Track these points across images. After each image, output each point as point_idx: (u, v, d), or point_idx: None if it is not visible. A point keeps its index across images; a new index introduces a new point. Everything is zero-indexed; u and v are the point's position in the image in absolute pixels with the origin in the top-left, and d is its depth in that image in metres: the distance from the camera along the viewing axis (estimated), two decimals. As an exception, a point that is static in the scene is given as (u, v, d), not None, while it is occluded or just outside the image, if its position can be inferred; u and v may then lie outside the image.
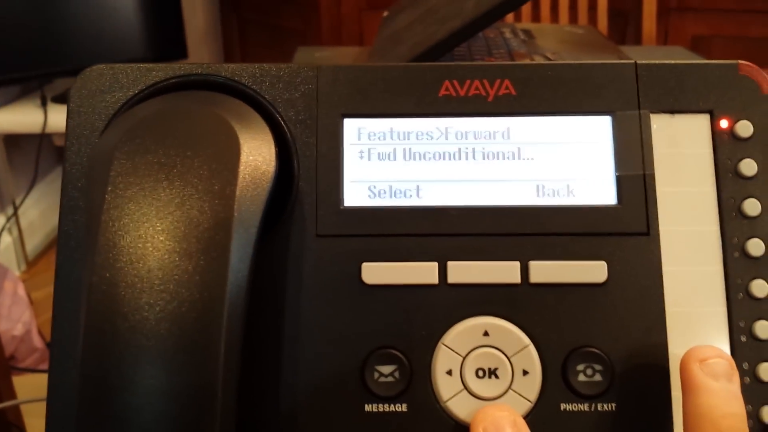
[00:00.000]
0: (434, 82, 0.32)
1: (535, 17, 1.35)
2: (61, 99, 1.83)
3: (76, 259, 0.31)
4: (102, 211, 0.26)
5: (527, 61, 0.72)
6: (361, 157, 0.32)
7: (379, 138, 0.32)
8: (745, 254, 0.31)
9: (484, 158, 0.32)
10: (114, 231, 0.26)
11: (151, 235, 0.26)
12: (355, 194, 0.31)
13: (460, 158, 0.32)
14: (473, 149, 0.32)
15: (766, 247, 0.31)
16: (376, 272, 0.31)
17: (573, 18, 1.38)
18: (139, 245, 0.26)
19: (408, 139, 0.32)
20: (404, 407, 0.30)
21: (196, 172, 0.27)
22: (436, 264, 0.31)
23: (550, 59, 0.73)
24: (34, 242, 1.92)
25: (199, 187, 0.27)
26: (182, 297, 0.25)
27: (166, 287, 0.25)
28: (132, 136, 0.28)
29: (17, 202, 1.84)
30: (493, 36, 0.84)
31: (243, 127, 0.29)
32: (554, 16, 1.38)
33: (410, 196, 0.32)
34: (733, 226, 0.31)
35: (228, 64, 0.33)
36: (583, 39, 0.94)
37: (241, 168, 0.28)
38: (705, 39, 1.83)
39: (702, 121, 0.32)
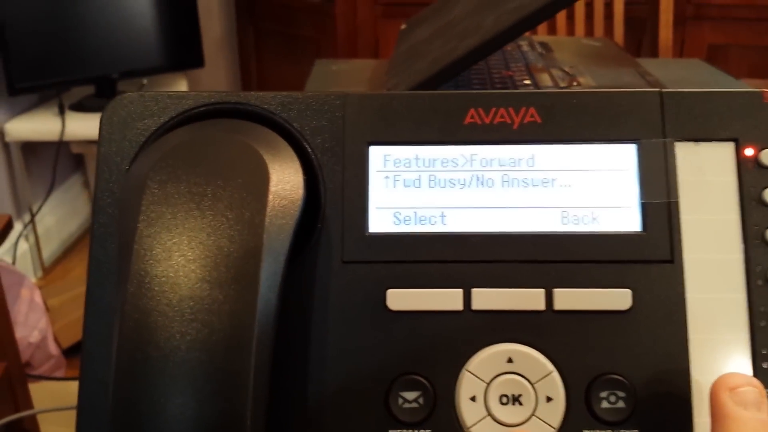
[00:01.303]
0: (459, 110, 0.32)
1: (551, 28, 1.35)
2: (78, 107, 1.84)
3: (107, 286, 0.31)
4: (134, 240, 0.27)
5: (545, 75, 0.73)
6: (387, 184, 0.32)
7: (404, 165, 0.32)
8: None
9: (509, 185, 0.32)
10: (146, 260, 0.26)
11: (183, 264, 0.26)
12: (381, 221, 0.32)
13: (485, 185, 0.32)
14: (498, 176, 0.32)
15: None
16: (401, 298, 0.31)
17: (589, 28, 1.38)
18: (171, 274, 0.26)
19: (433, 166, 0.32)
20: None
21: (226, 201, 0.27)
22: (460, 290, 0.31)
23: (568, 73, 0.73)
24: (50, 249, 1.93)
25: (229, 216, 0.27)
26: (213, 326, 0.26)
27: (197, 316, 0.26)
28: (163, 164, 0.28)
29: (34, 209, 1.85)
30: (511, 49, 0.85)
31: (271, 156, 0.29)
32: (570, 27, 1.38)
33: (435, 222, 0.32)
34: (757, 253, 0.31)
35: (256, 92, 0.33)
36: (601, 52, 0.94)
37: (270, 197, 0.28)
38: (721, 48, 1.82)
39: (727, 149, 0.32)
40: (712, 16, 1.82)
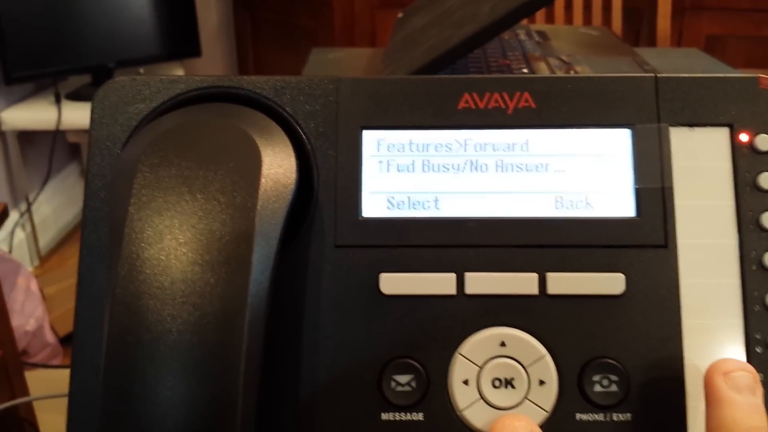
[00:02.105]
0: (453, 95, 0.32)
1: (549, 17, 1.35)
2: (74, 96, 1.84)
3: (98, 269, 0.31)
4: (125, 224, 0.27)
5: (542, 64, 0.72)
6: (380, 169, 0.32)
7: (398, 150, 0.32)
8: (763, 267, 0.31)
9: (502, 170, 0.32)
10: (137, 243, 0.26)
11: (174, 248, 0.26)
12: (374, 205, 0.32)
13: (478, 170, 0.32)
14: (492, 161, 0.32)
15: None
16: (394, 283, 0.31)
17: (587, 18, 1.38)
18: (162, 257, 0.26)
19: (427, 150, 0.32)
20: (421, 416, 0.30)
21: (218, 184, 0.27)
22: (453, 275, 0.31)
23: (565, 61, 0.73)
24: (47, 238, 1.93)
25: (221, 200, 0.27)
26: (204, 309, 0.26)
27: (189, 299, 0.26)
28: (155, 148, 0.28)
29: (30, 198, 1.85)
30: (508, 38, 0.84)
31: (264, 140, 0.29)
32: (568, 16, 1.37)
33: (429, 207, 0.32)
34: (751, 239, 0.31)
35: (249, 77, 0.33)
36: (598, 41, 0.94)
37: (262, 181, 0.28)
38: (719, 38, 1.82)
39: (722, 135, 0.32)
40: (710, 6, 1.82)
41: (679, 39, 1.79)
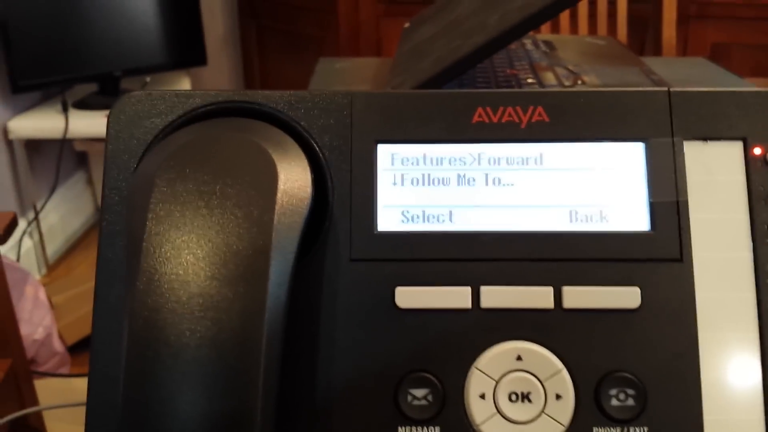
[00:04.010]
0: (467, 109, 0.32)
1: (555, 26, 1.35)
2: (81, 105, 1.84)
3: (115, 283, 0.31)
4: (143, 238, 0.27)
5: (549, 74, 0.73)
6: (395, 183, 0.32)
7: (412, 164, 0.32)
8: None
9: (516, 184, 0.32)
10: (155, 258, 0.26)
11: (192, 262, 0.26)
12: (389, 219, 0.32)
13: (492, 184, 0.32)
14: (506, 175, 0.32)
15: None
16: (409, 296, 0.31)
17: (593, 26, 1.38)
18: (180, 272, 0.26)
19: (441, 164, 0.32)
20: (438, 430, 0.30)
21: (234, 199, 0.28)
22: (469, 288, 0.31)
23: (572, 71, 0.73)
24: (54, 246, 1.94)
25: (238, 215, 0.27)
26: (222, 323, 0.26)
27: (207, 314, 0.26)
28: (171, 163, 0.28)
29: (38, 206, 1.86)
30: (515, 47, 0.85)
31: (279, 155, 0.29)
32: (573, 25, 1.38)
33: (443, 221, 0.32)
34: (766, 252, 0.31)
35: (263, 91, 0.33)
36: (605, 50, 0.94)
37: (279, 195, 0.28)
38: (725, 47, 1.82)
39: (735, 149, 0.32)
40: (716, 14, 1.82)
41: (684, 47, 1.80)
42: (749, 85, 0.79)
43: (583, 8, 1.36)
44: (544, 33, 1.29)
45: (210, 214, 0.27)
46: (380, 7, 1.93)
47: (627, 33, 1.38)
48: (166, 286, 0.26)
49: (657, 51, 1.41)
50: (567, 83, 0.68)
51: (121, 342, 0.26)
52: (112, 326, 0.31)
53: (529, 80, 0.69)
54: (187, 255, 0.27)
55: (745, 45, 1.81)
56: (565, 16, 1.36)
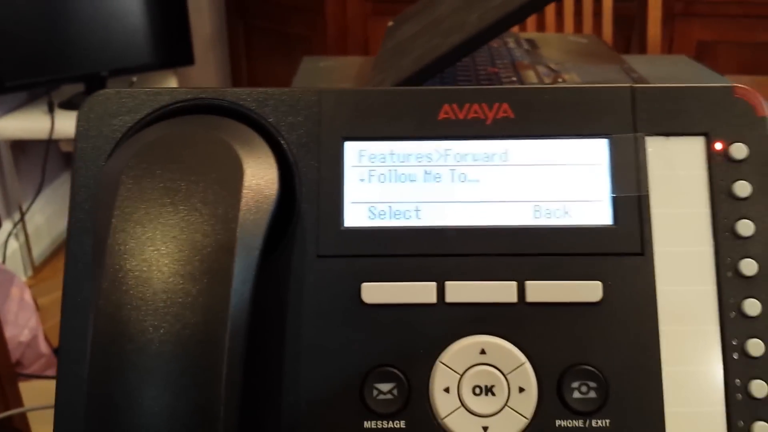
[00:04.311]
0: (434, 106, 0.33)
1: (540, 24, 1.36)
2: (68, 105, 1.84)
3: (83, 280, 0.31)
4: (109, 235, 0.27)
5: (530, 72, 0.73)
6: (362, 179, 0.33)
7: (379, 160, 0.33)
8: (738, 274, 0.31)
9: (482, 180, 0.32)
10: (120, 254, 0.27)
11: (156, 259, 0.27)
12: (356, 215, 0.32)
13: (458, 180, 0.32)
14: (471, 171, 0.33)
15: (758, 267, 0.31)
16: (375, 292, 0.31)
17: (578, 24, 1.39)
18: (145, 268, 0.26)
19: (408, 161, 0.33)
20: (402, 424, 0.30)
21: (200, 196, 0.28)
22: (434, 284, 0.31)
23: (553, 69, 0.74)
24: (40, 248, 1.93)
25: (203, 211, 0.27)
26: (186, 319, 0.26)
27: (170, 310, 0.26)
28: (138, 160, 0.29)
29: (24, 207, 1.85)
30: (497, 46, 0.85)
31: (246, 152, 0.30)
32: (559, 23, 1.38)
33: (410, 217, 0.32)
34: (726, 246, 0.31)
35: (232, 89, 0.33)
36: (587, 49, 0.94)
37: (244, 192, 0.28)
38: (710, 45, 1.83)
39: (697, 144, 0.32)
40: (701, 12, 1.83)
41: (670, 45, 1.80)
42: (725, 82, 0.79)
43: (568, 6, 1.37)
44: (530, 31, 1.30)
45: (175, 211, 0.27)
46: (368, 6, 1.93)
47: (612, 31, 1.39)
48: (130, 283, 0.26)
49: (642, 49, 1.42)
50: (547, 81, 0.68)
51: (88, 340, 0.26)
52: (81, 324, 0.31)
53: (511, 78, 0.69)
54: (152, 251, 0.27)
55: (731, 43, 1.82)
56: (550, 15, 1.36)
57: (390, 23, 0.87)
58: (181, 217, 0.27)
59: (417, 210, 0.32)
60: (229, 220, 0.27)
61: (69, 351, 0.31)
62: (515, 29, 1.21)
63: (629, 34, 1.59)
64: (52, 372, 1.42)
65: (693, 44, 1.83)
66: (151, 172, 0.28)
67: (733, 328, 0.31)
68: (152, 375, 0.25)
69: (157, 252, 0.27)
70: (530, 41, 0.88)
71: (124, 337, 0.26)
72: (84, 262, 0.32)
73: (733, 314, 0.31)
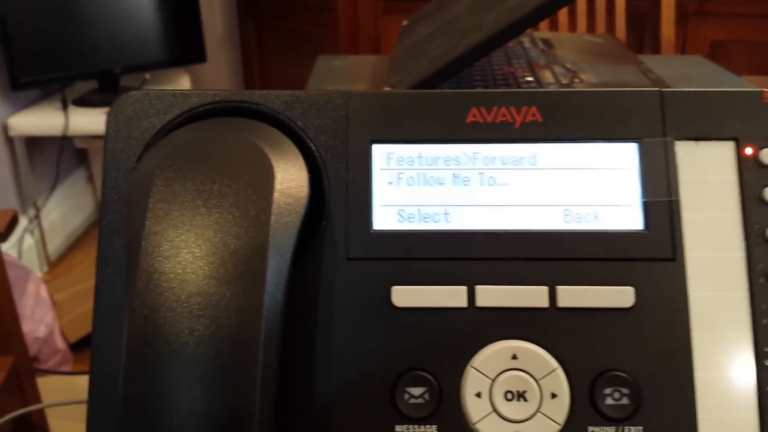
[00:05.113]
0: (461, 109, 0.33)
1: (553, 23, 1.36)
2: (81, 102, 1.85)
3: (115, 281, 0.32)
4: (142, 237, 0.27)
5: (547, 72, 0.73)
6: (390, 182, 0.33)
7: (407, 163, 0.33)
8: None
9: (511, 184, 0.32)
10: (154, 256, 0.27)
11: (190, 261, 0.27)
12: (385, 218, 0.32)
13: (487, 183, 0.32)
14: (500, 175, 0.32)
15: None
16: (406, 295, 0.31)
17: (591, 24, 1.38)
18: (179, 271, 0.26)
19: (436, 164, 0.33)
20: (434, 429, 0.30)
21: (232, 198, 0.28)
22: (464, 288, 0.31)
23: (569, 69, 0.74)
24: (55, 244, 1.94)
25: (236, 214, 0.28)
26: (220, 322, 0.26)
27: (205, 312, 0.26)
28: (169, 162, 0.29)
29: (39, 204, 1.86)
30: (512, 45, 0.85)
31: (276, 154, 0.30)
32: (572, 22, 1.38)
33: (439, 220, 0.32)
34: (758, 252, 0.31)
35: (261, 91, 0.33)
36: (603, 48, 0.94)
37: (276, 195, 0.28)
38: (723, 44, 1.82)
39: (727, 149, 0.32)
40: (714, 12, 1.82)
41: (683, 45, 1.80)
42: (746, 84, 0.79)
43: (581, 6, 1.37)
44: (543, 31, 1.29)
45: (208, 213, 0.28)
46: (379, 5, 1.93)
47: (626, 30, 1.39)
48: (164, 285, 0.26)
49: (656, 48, 1.41)
50: (564, 81, 0.68)
51: (122, 340, 0.26)
52: (113, 324, 0.31)
53: (527, 78, 0.69)
54: (186, 254, 0.27)
55: (743, 42, 1.81)
56: (563, 14, 1.36)
57: (404, 23, 0.87)
58: (214, 219, 0.27)
59: (446, 213, 0.32)
60: (261, 223, 0.28)
61: (102, 350, 0.31)
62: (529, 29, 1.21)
63: (642, 33, 1.58)
64: (68, 367, 1.43)
65: (706, 44, 1.83)
66: (183, 175, 0.28)
67: (766, 334, 0.31)
68: (187, 377, 0.25)
69: (191, 254, 0.27)
70: (546, 41, 0.88)
71: (158, 339, 0.26)
72: (115, 262, 0.32)
73: (765, 321, 0.31)
